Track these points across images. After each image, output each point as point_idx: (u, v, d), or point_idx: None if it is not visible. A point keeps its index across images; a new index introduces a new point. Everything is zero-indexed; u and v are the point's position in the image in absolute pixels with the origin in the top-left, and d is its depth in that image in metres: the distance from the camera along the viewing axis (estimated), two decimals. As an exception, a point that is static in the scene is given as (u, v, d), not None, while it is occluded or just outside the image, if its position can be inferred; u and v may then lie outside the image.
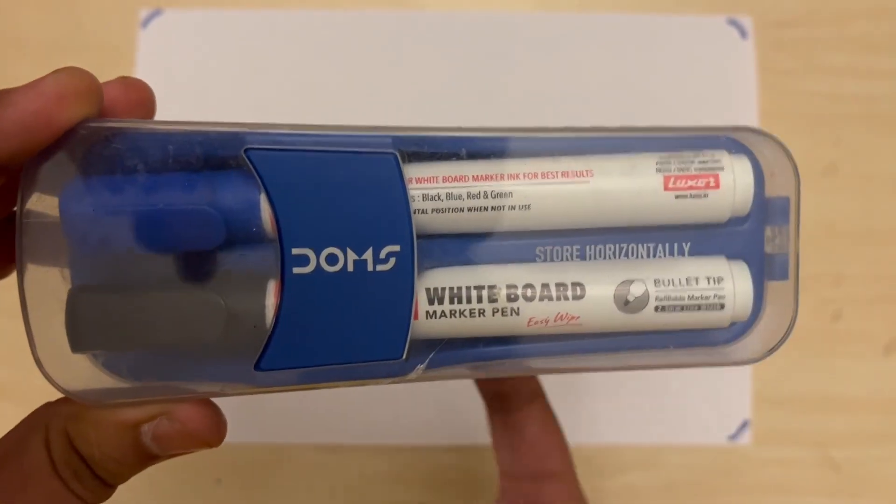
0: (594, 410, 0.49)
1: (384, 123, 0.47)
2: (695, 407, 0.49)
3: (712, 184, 0.23)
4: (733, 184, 0.23)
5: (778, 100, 0.51)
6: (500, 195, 0.22)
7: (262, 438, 0.48)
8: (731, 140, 0.24)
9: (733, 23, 0.51)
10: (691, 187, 0.23)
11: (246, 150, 0.21)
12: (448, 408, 0.49)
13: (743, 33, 0.51)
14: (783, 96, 0.51)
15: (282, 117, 0.48)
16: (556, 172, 0.22)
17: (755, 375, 0.49)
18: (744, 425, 0.49)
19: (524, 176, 0.23)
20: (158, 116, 0.48)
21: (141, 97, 0.24)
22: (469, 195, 0.22)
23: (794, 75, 0.52)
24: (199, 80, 0.50)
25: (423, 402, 0.49)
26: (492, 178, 0.23)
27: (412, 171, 0.23)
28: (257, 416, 0.48)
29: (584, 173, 0.23)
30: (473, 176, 0.23)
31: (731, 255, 0.24)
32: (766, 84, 0.51)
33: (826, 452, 0.49)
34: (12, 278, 0.48)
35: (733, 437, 0.48)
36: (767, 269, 0.24)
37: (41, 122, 0.20)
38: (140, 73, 0.50)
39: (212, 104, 0.50)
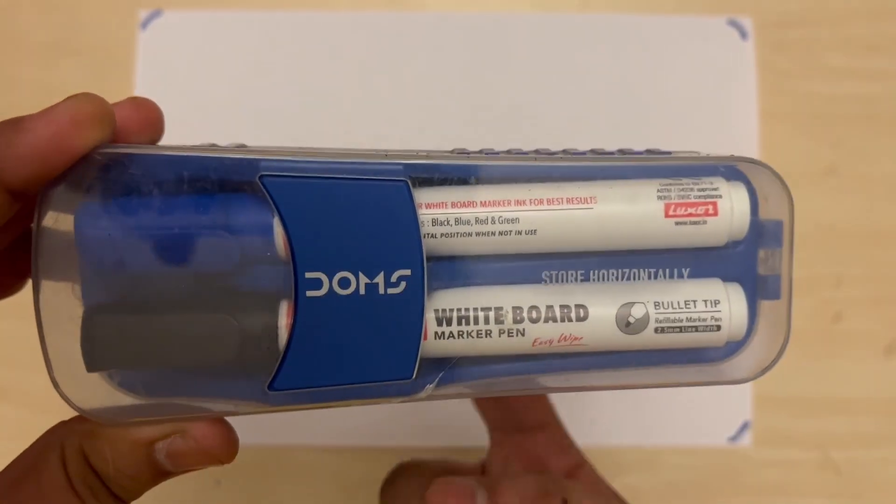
0: (594, 412, 0.49)
1: (386, 128, 0.47)
2: (695, 408, 0.49)
3: (711, 211, 0.23)
4: (731, 211, 0.23)
5: (778, 100, 0.51)
6: (507, 220, 0.23)
7: (263, 439, 0.49)
8: (728, 166, 0.25)
9: (733, 23, 0.51)
10: (691, 214, 0.23)
11: (261, 177, 0.22)
12: (447, 410, 0.49)
13: (743, 34, 0.51)
14: (783, 97, 0.52)
15: (281, 118, 0.48)
16: (562, 199, 0.23)
17: (755, 376, 0.50)
18: (744, 427, 0.49)
19: (530, 202, 0.23)
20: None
21: (151, 117, 0.25)
22: (477, 220, 0.23)
23: (794, 76, 0.52)
24: (198, 81, 0.50)
25: (423, 405, 0.49)
26: (499, 203, 0.23)
27: (422, 197, 0.23)
28: (258, 417, 0.49)
29: (588, 200, 0.23)
30: (481, 202, 0.23)
31: (728, 277, 0.25)
32: (766, 84, 0.51)
33: (826, 454, 0.49)
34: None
35: (734, 438, 0.49)
36: (760, 289, 0.25)
37: (56, 147, 0.20)
38: (139, 74, 0.50)
39: (211, 105, 0.50)
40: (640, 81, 0.50)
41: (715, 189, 0.23)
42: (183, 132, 0.49)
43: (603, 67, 0.50)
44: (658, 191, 0.23)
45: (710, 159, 0.24)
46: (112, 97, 0.50)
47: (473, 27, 0.51)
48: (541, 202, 0.23)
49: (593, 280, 0.24)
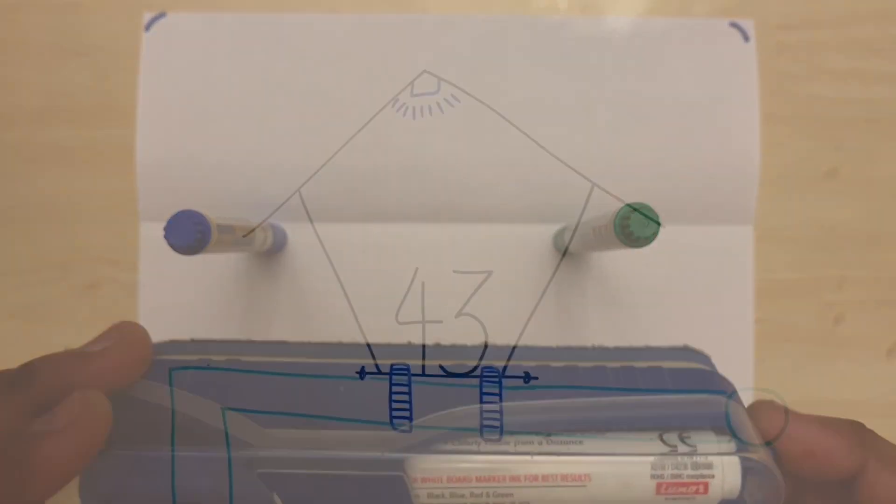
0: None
1: (390, 128, 0.47)
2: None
3: (702, 490, 0.24)
4: (721, 486, 0.24)
5: (780, 103, 0.52)
6: (501, 495, 0.23)
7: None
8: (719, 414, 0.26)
9: (735, 26, 0.51)
10: (682, 493, 0.24)
11: (260, 474, 0.23)
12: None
13: (745, 36, 0.51)
14: (785, 100, 0.52)
15: (285, 120, 0.48)
16: (556, 476, 0.23)
17: (757, 379, 0.50)
18: (747, 428, 0.49)
19: (525, 479, 0.23)
20: (161, 117, 0.48)
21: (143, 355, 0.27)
22: (472, 494, 0.24)
23: (796, 79, 0.52)
24: (202, 84, 0.50)
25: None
26: (495, 479, 0.23)
27: (419, 469, 0.24)
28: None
29: (582, 478, 0.23)
30: (476, 477, 0.23)
31: None
32: (768, 87, 0.51)
33: (828, 456, 0.49)
34: (15, 281, 0.49)
35: (737, 440, 0.49)
36: None
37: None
38: (143, 77, 0.50)
39: (215, 108, 0.50)
40: (642, 84, 0.50)
41: (709, 468, 0.24)
42: (186, 135, 0.49)
43: (604, 70, 0.50)
44: (652, 468, 0.24)
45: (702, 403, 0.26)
46: (116, 98, 0.51)
47: (475, 29, 0.51)
48: (536, 479, 0.23)
49: None
